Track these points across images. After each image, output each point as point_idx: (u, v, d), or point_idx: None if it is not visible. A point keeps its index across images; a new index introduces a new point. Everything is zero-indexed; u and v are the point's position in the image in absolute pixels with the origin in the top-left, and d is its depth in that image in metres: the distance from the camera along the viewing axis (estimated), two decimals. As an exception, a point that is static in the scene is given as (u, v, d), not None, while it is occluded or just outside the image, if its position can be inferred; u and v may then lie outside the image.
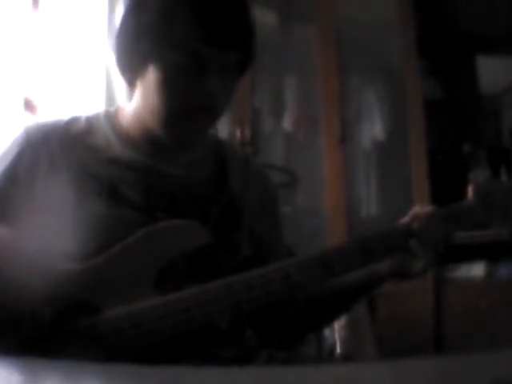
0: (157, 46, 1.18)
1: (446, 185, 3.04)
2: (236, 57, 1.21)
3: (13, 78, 2.26)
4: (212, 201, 1.28)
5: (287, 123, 3.40)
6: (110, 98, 2.64)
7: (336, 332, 1.87)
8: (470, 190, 1.28)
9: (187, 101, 1.19)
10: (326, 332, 1.88)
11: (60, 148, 1.23)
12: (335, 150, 3.32)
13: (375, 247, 1.20)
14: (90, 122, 1.29)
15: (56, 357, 1.05)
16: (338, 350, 1.86)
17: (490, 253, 3.26)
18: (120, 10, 2.66)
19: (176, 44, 1.17)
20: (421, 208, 1.26)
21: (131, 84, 1.27)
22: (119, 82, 2.58)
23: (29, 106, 2.33)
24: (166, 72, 1.19)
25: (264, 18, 3.24)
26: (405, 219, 1.25)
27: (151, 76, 1.20)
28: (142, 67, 1.21)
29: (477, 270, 3.28)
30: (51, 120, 1.31)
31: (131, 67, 1.23)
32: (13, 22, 2.28)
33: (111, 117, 1.30)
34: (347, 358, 1.83)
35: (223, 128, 3.13)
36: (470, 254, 3.19)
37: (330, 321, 1.56)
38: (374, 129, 3.42)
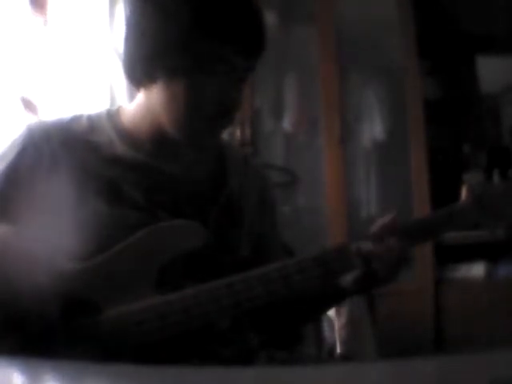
0: (186, 57, 1.18)
1: (446, 185, 3.03)
2: (253, 65, 1.24)
3: (13, 78, 2.27)
4: (211, 200, 1.29)
5: (287, 123, 3.40)
6: (111, 98, 2.64)
7: (336, 332, 1.87)
8: (464, 192, 1.29)
9: (212, 106, 1.20)
10: (326, 332, 1.88)
11: (62, 147, 1.23)
12: (335, 150, 3.32)
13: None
14: (92, 121, 1.28)
15: (57, 356, 1.05)
16: (338, 350, 1.86)
17: (490, 253, 3.26)
18: (120, 10, 2.66)
19: (207, 55, 1.18)
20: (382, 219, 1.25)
21: (142, 85, 1.25)
22: (120, 83, 2.58)
23: (29, 105, 2.33)
24: (195, 80, 1.19)
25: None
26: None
27: (178, 84, 1.19)
28: (168, 76, 1.20)
29: (477, 270, 3.28)
30: (54, 119, 1.31)
31: (153, 75, 1.21)
32: (13, 22, 2.28)
33: (113, 116, 1.29)
34: (347, 357, 1.83)
35: (223, 128, 3.13)
36: (470, 253, 3.19)
37: (320, 314, 1.58)
38: (373, 129, 3.42)
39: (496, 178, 1.30)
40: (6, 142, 1.27)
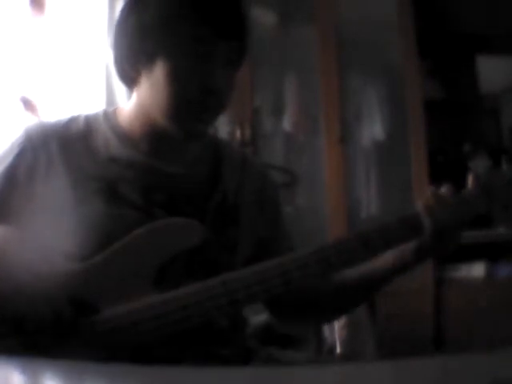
0: (164, 40, 1.19)
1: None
2: (237, 47, 1.23)
3: (13, 78, 2.27)
4: (208, 199, 1.29)
5: (287, 123, 3.40)
6: (110, 98, 2.64)
7: (336, 332, 1.87)
8: (470, 180, 1.24)
9: (196, 89, 1.20)
10: (326, 332, 1.88)
11: (59, 148, 1.24)
12: (335, 150, 3.32)
13: (376, 241, 1.20)
14: (89, 122, 1.29)
15: (56, 356, 1.05)
16: (338, 349, 1.86)
17: (490, 253, 3.26)
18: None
19: (184, 36, 1.19)
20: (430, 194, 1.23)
21: (132, 82, 1.27)
22: (119, 82, 2.58)
23: (29, 105, 2.33)
24: (175, 63, 1.20)
25: (264, 18, 3.24)
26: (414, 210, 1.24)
27: (159, 69, 1.20)
28: (149, 63, 1.21)
29: (477, 270, 3.28)
30: (51, 120, 1.32)
31: (136, 65, 1.23)
32: (12, 21, 2.28)
33: (110, 117, 1.30)
34: (347, 357, 1.83)
35: (223, 128, 3.13)
36: (470, 253, 3.18)
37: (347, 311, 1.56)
38: (373, 129, 3.42)
39: (504, 165, 1.25)
40: (6, 143, 1.28)
